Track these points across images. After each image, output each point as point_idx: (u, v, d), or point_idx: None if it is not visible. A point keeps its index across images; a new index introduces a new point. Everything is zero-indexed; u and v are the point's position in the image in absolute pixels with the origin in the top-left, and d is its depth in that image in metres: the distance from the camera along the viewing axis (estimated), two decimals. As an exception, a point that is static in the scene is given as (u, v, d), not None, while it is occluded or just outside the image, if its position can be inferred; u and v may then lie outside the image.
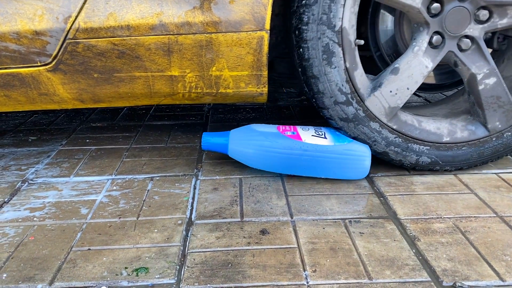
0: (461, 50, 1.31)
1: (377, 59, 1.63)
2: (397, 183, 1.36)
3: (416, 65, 1.30)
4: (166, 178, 1.42)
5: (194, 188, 1.35)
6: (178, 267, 0.99)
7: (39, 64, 1.23)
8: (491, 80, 1.32)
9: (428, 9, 1.26)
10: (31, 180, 1.43)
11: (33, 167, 1.52)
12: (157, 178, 1.42)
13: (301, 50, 1.28)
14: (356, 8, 1.25)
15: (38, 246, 1.07)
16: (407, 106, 1.47)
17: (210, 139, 1.43)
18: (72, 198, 1.30)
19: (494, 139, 1.37)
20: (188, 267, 0.98)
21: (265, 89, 1.30)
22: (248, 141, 1.36)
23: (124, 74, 1.25)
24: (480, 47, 1.30)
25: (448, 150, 1.37)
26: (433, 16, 1.27)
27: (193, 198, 1.29)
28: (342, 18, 1.24)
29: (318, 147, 1.32)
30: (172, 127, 1.91)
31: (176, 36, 1.20)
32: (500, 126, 1.36)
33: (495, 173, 1.41)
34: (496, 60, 1.42)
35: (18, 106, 1.34)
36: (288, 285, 0.92)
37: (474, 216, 1.17)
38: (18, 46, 1.20)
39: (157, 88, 1.27)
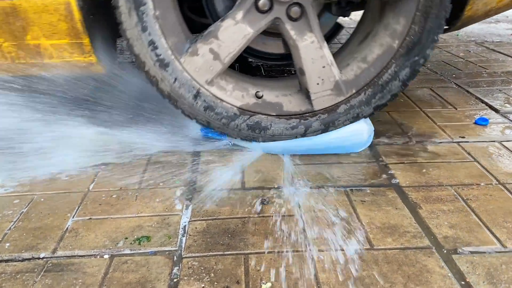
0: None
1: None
2: (399, 152, 1.35)
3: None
4: (167, 150, 1.41)
5: (195, 158, 1.34)
6: (180, 235, 0.99)
7: None
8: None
9: None
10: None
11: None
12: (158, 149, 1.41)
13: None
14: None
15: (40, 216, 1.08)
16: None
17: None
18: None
19: None
20: (190, 235, 0.99)
21: (93, 58, 1.23)
22: None
23: None
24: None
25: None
26: None
27: (194, 168, 1.28)
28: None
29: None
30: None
31: None
32: None
33: (497, 141, 1.40)
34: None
35: None
36: (290, 251, 0.93)
37: (476, 184, 1.17)
38: None
39: None
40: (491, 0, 1.27)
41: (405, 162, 1.29)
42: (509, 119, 1.56)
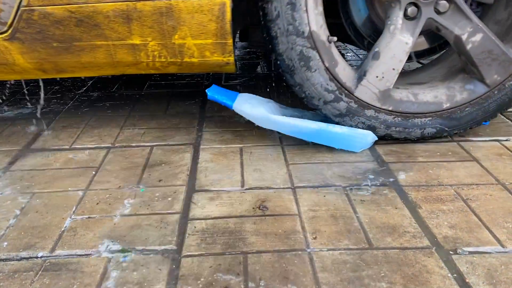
0: (439, 13, 1.26)
1: (355, 38, 1.56)
2: (399, 151, 1.35)
3: (396, 45, 1.26)
4: (166, 147, 1.40)
5: (194, 157, 1.34)
6: (178, 234, 0.99)
7: None
8: (478, 37, 1.27)
9: None
10: (29, 149, 1.42)
11: (32, 136, 1.50)
12: (157, 147, 1.41)
13: (279, 62, 1.27)
14: (320, 8, 1.21)
15: (39, 215, 1.07)
16: (403, 73, 1.44)
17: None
18: (70, 168, 1.29)
19: (496, 92, 1.33)
20: (189, 234, 0.98)
21: (231, 58, 1.25)
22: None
23: (85, 43, 1.20)
24: (458, 5, 1.25)
25: (451, 114, 1.35)
26: None
27: (193, 167, 1.28)
28: (309, 22, 1.21)
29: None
30: (171, 95, 1.89)
31: (134, 3, 1.14)
32: (499, 78, 1.31)
33: (497, 141, 1.40)
34: (484, 8, 1.37)
35: None
36: (289, 250, 0.92)
37: (476, 184, 1.16)
38: None
39: (120, 57, 1.23)
40: None
41: (405, 161, 1.28)
42: (510, 118, 1.55)
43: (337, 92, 1.28)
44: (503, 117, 1.56)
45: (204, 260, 0.90)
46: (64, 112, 1.73)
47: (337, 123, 1.34)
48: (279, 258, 0.90)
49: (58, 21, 1.16)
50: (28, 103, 1.83)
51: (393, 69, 1.28)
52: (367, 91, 1.29)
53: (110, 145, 1.43)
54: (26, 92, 1.98)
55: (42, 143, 1.46)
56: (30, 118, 1.67)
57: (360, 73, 1.30)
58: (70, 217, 1.06)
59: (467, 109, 1.35)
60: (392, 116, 1.33)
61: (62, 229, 1.01)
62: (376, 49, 1.28)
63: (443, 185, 1.16)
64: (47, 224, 1.04)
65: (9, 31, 1.17)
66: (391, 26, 1.26)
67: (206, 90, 1.41)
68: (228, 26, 1.18)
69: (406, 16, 1.26)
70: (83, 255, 0.93)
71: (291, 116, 1.45)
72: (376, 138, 1.35)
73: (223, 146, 1.40)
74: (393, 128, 1.35)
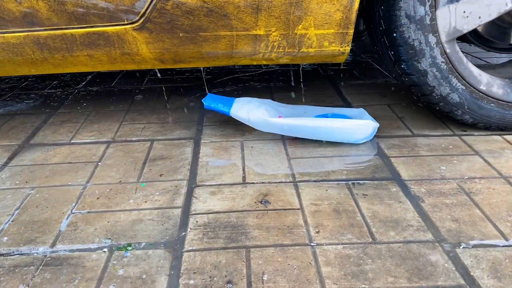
0: None
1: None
2: (400, 144, 1.34)
3: None
4: (166, 142, 1.39)
5: (195, 152, 1.33)
6: (180, 229, 0.98)
7: (126, 22, 1.17)
8: None
9: None
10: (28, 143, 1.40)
11: (31, 131, 1.49)
12: (158, 141, 1.40)
13: None
14: None
15: (39, 210, 1.06)
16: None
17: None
18: (70, 162, 1.28)
19: None
20: (191, 228, 0.97)
21: (348, 48, 1.24)
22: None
23: (209, 33, 1.20)
24: None
25: (479, 99, 1.34)
26: None
27: (194, 161, 1.27)
28: None
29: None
30: (171, 90, 1.88)
31: None
32: None
33: (500, 135, 1.39)
34: None
35: (97, 66, 1.30)
36: (292, 245, 0.92)
37: (479, 178, 1.16)
38: (107, 4, 1.14)
39: (240, 48, 1.23)
40: None
41: (407, 155, 1.28)
42: None
43: None
44: (505, 111, 1.55)
45: (206, 255, 0.89)
46: (63, 107, 1.71)
47: (402, 25, 1.29)
48: (282, 252, 0.90)
49: (189, 11, 1.16)
50: (27, 98, 1.82)
51: (479, 17, 1.26)
52: (446, 17, 1.27)
53: (110, 139, 1.42)
54: (24, 86, 1.96)
55: (41, 138, 1.45)
56: (29, 113, 1.66)
57: None
58: (71, 212, 1.05)
59: (492, 104, 1.34)
60: (442, 59, 1.31)
61: (63, 224, 1.01)
62: None
63: (445, 179, 1.16)
64: (47, 218, 1.03)
65: (140, 21, 1.16)
66: None
67: (202, 100, 1.41)
68: (353, 16, 1.17)
69: None
70: (84, 249, 0.92)
71: (292, 114, 1.44)
72: (378, 125, 1.34)
73: (223, 140, 1.39)
74: (434, 69, 1.32)
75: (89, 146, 1.38)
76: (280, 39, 1.21)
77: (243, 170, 1.22)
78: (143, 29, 1.19)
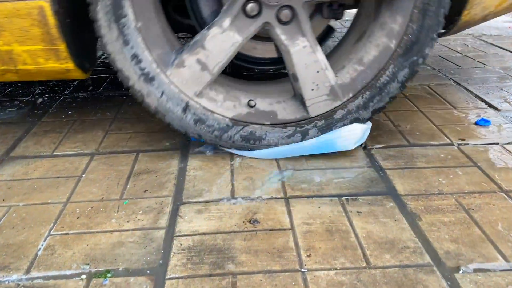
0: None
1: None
2: (396, 155, 1.29)
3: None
4: (152, 153, 1.33)
5: (182, 164, 1.27)
6: (164, 253, 0.92)
7: None
8: None
9: None
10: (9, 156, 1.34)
11: (12, 142, 1.43)
12: (143, 153, 1.34)
13: None
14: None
15: (14, 231, 1.00)
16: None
17: None
18: (51, 177, 1.22)
19: None
20: (174, 253, 0.92)
21: (71, 65, 1.16)
22: None
23: None
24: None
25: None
26: None
27: (180, 176, 1.21)
28: None
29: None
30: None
31: None
32: None
33: (500, 144, 1.34)
34: None
35: None
36: (281, 271, 0.86)
37: (478, 192, 1.11)
38: None
39: None
40: (490, 4, 1.20)
41: (403, 167, 1.22)
42: (511, 120, 1.49)
43: None
44: (503, 119, 1.50)
45: (190, 283, 0.84)
46: (47, 115, 1.65)
47: None
48: (270, 279, 0.84)
49: None
50: (10, 105, 1.75)
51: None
52: None
53: (94, 151, 1.36)
54: (8, 93, 1.90)
55: (22, 149, 1.39)
56: (11, 122, 1.59)
57: None
58: (49, 233, 0.99)
59: None
60: None
61: (39, 248, 0.95)
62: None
63: (443, 193, 1.10)
64: (23, 241, 0.97)
65: None
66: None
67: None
68: (54, 31, 1.10)
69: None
70: (60, 277, 0.87)
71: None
72: (370, 125, 1.28)
73: (212, 152, 1.33)
74: None
75: (72, 159, 1.32)
76: None
77: (232, 184, 1.16)
78: None
